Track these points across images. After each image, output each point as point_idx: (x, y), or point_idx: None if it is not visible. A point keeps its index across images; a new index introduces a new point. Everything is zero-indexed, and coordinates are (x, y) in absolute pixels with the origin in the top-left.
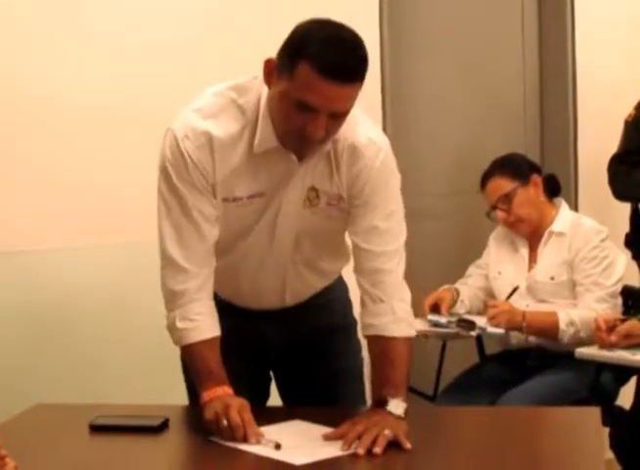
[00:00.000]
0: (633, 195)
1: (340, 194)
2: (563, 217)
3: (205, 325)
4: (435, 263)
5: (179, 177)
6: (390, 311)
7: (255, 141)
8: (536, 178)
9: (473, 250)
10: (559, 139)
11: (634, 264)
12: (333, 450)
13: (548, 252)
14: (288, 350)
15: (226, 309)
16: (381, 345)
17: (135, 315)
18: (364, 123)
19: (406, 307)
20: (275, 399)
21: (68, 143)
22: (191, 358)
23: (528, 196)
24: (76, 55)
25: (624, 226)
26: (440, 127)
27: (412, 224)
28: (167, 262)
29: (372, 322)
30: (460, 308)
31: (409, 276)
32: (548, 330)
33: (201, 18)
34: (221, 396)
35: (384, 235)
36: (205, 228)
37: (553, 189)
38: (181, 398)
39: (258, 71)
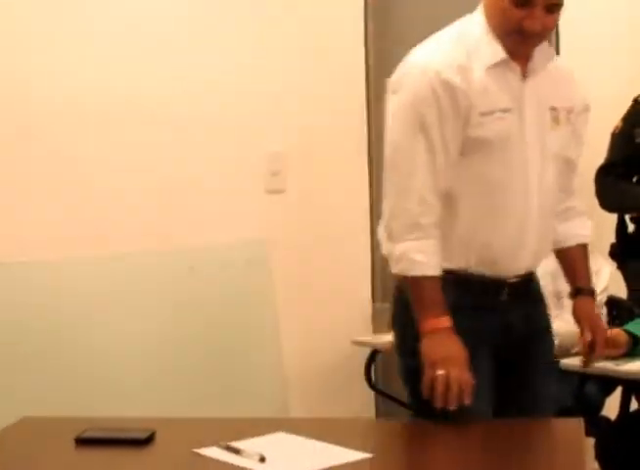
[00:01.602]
0: (620, 206)
1: (571, 106)
2: None
3: (439, 263)
4: None
5: (430, 110)
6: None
7: (486, 56)
8: None
9: None
10: None
11: (619, 275)
12: (317, 463)
13: None
14: (525, 343)
15: (475, 296)
16: (585, 249)
17: (129, 327)
18: None
19: None
20: None
21: (69, 150)
22: (421, 289)
23: None
24: (77, 60)
25: (609, 237)
26: None
27: None
28: (411, 194)
29: (584, 233)
30: None
31: None
32: None
33: (200, 18)
34: (445, 329)
35: None
36: (445, 165)
37: None
38: (168, 410)
39: (255, 68)
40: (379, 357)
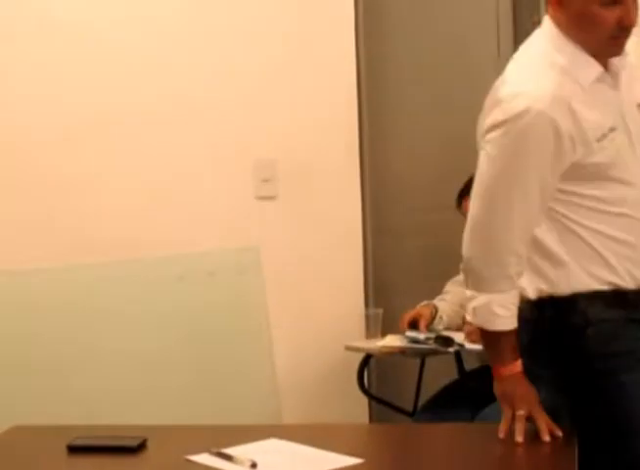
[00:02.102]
0: None
1: None
2: None
3: (516, 315)
4: (415, 279)
5: (533, 152)
6: None
7: (584, 76)
8: None
9: (452, 265)
10: None
11: None
12: (309, 469)
13: None
14: None
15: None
16: None
17: (120, 335)
18: None
19: None
20: None
21: (58, 158)
22: (498, 340)
23: None
24: (72, 64)
25: None
26: (420, 142)
27: (390, 240)
28: (504, 243)
29: None
30: (438, 325)
31: (388, 292)
32: None
33: (193, 23)
34: (518, 373)
35: None
36: (540, 209)
37: None
38: (160, 417)
39: (246, 74)
40: (372, 362)
